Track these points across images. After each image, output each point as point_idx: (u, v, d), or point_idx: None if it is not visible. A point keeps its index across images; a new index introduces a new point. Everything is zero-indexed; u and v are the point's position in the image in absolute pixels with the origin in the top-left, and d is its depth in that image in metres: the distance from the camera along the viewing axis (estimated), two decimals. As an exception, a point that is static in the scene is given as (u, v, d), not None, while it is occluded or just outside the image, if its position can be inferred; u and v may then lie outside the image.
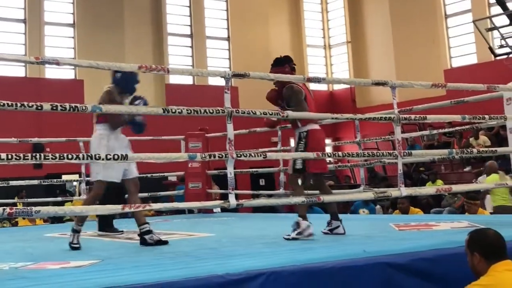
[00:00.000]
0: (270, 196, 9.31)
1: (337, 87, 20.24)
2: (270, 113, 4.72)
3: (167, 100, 16.30)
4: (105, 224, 6.31)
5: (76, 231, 4.75)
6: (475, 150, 6.73)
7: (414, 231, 5.15)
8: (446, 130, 12.34)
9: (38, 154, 3.87)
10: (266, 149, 8.69)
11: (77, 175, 9.81)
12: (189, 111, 4.29)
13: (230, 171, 4.27)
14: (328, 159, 5.66)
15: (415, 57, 17.51)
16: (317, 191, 5.25)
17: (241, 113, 4.53)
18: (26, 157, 3.75)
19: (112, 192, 5.26)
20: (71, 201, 10.98)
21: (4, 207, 3.53)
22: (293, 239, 4.65)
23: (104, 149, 4.77)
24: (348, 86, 19.08)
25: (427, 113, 5.91)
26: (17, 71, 15.35)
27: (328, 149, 14.61)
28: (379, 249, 3.80)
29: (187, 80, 17.61)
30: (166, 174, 10.59)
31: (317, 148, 4.84)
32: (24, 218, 10.56)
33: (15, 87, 13.96)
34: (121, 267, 3.51)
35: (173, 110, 4.31)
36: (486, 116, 5.70)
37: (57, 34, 16.18)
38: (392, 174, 13.71)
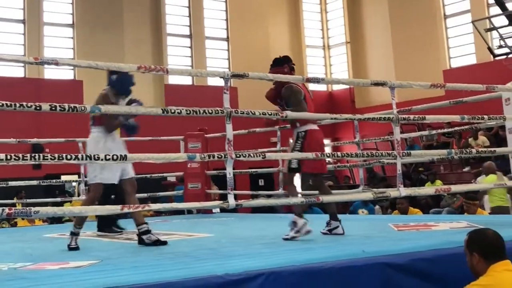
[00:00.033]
0: (269, 196, 9.32)
1: (336, 87, 20.24)
2: (269, 113, 4.72)
3: (166, 101, 16.31)
4: (104, 224, 6.32)
5: (74, 234, 4.75)
6: (474, 151, 6.74)
7: (413, 232, 5.15)
8: (445, 130, 12.35)
9: (37, 154, 3.87)
10: (265, 150, 8.69)
11: (76, 176, 9.80)
12: (188, 112, 4.29)
13: (229, 171, 4.27)
14: (327, 160, 5.66)
15: (414, 57, 17.51)
16: (317, 191, 5.25)
17: (240, 113, 4.53)
18: (25, 158, 3.75)
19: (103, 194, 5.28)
20: (70, 201, 10.97)
21: (3, 208, 3.53)
22: (292, 238, 4.66)
23: (101, 151, 4.76)
24: (347, 86, 19.09)
25: (426, 113, 5.91)
26: (16, 71, 15.34)
27: (327, 149, 14.65)
28: (378, 249, 3.80)
29: (186, 80, 17.61)
30: (165, 174, 10.59)
31: (314, 148, 4.84)
32: (23, 219, 10.56)
33: (14, 88, 13.95)
34: (120, 267, 3.51)
35: (172, 111, 4.31)
36: (485, 117, 5.70)
37: (56, 34, 16.17)
38: (391, 175, 13.72)
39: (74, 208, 4.46)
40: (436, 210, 10.79)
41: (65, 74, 16.01)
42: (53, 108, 3.84)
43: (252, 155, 4.44)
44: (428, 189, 7.07)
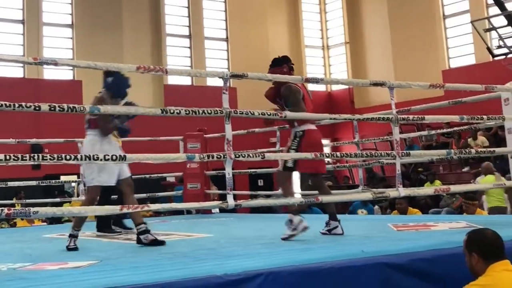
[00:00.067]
0: (268, 196, 9.31)
1: (335, 87, 20.26)
2: (269, 113, 4.73)
3: (166, 101, 16.31)
4: (104, 224, 6.32)
5: (73, 236, 4.75)
6: (473, 151, 6.73)
7: (412, 232, 5.15)
8: (445, 130, 12.35)
9: (36, 155, 3.87)
10: (265, 150, 8.69)
11: (76, 176, 9.80)
12: (187, 112, 4.29)
13: (228, 171, 4.27)
14: (326, 160, 5.67)
15: (413, 57, 17.53)
16: (316, 192, 5.26)
17: (240, 113, 4.54)
18: (24, 158, 3.75)
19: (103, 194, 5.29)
20: (70, 202, 10.97)
21: (3, 208, 3.53)
22: (290, 236, 4.67)
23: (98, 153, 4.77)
24: (346, 86, 19.10)
25: (425, 113, 5.92)
26: (16, 71, 15.34)
27: (327, 150, 14.66)
28: (378, 249, 3.80)
29: (186, 80, 17.61)
30: (164, 174, 10.59)
31: (311, 148, 4.84)
32: (22, 219, 10.56)
33: (14, 88, 13.95)
34: (119, 267, 3.51)
35: (172, 111, 4.31)
36: (484, 117, 5.71)
37: (55, 34, 16.17)
38: (390, 175, 13.75)
39: (73, 209, 4.46)
40: (435, 210, 10.81)
41: (64, 74, 16.01)
42: (52, 109, 3.84)
43: (251, 155, 4.45)
44: (427, 189, 7.08)
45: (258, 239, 4.97)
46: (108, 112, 4.64)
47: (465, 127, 7.77)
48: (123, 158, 4.10)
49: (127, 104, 4.99)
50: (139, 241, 4.83)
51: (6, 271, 3.61)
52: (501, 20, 13.98)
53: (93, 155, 4.11)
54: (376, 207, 10.84)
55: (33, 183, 9.13)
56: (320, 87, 19.81)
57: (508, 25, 13.65)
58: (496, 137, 12.69)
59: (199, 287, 2.95)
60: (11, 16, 15.70)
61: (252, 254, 3.90)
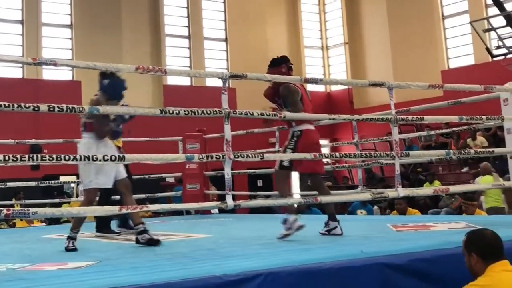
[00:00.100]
0: (267, 197, 9.31)
1: (334, 88, 20.26)
2: (268, 114, 4.73)
3: (165, 101, 16.30)
4: (103, 225, 6.31)
5: (71, 238, 4.75)
6: (472, 151, 6.74)
7: (411, 232, 5.15)
8: (444, 131, 12.35)
9: (35, 155, 3.87)
10: (264, 150, 8.69)
11: (75, 177, 9.78)
12: (186, 112, 4.29)
13: (227, 172, 4.27)
14: (325, 160, 5.67)
15: (412, 58, 17.53)
16: (316, 192, 5.26)
17: (239, 114, 4.54)
18: (23, 158, 3.75)
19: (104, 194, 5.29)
20: (69, 202, 10.96)
21: (2, 209, 3.53)
22: (285, 235, 4.68)
23: None
24: (345, 87, 19.11)
25: (425, 114, 5.92)
26: (15, 72, 15.34)
27: (326, 150, 14.66)
28: (377, 249, 3.80)
29: (185, 81, 17.61)
30: (163, 175, 10.59)
31: (308, 148, 4.85)
32: (21, 220, 10.56)
33: (13, 88, 13.94)
34: (118, 268, 3.51)
35: (171, 111, 4.31)
36: (484, 117, 5.71)
37: (54, 35, 16.16)
38: (389, 175, 13.75)
39: (72, 209, 4.46)
40: (435, 210, 10.81)
41: (63, 75, 16.00)
42: (51, 109, 3.84)
43: (250, 155, 4.45)
44: (426, 190, 7.08)
45: (257, 240, 4.97)
46: (107, 113, 4.64)
47: (464, 127, 7.77)
48: (122, 159, 4.10)
49: (123, 106, 4.99)
50: (137, 241, 4.86)
51: (6, 272, 3.61)
52: (500, 21, 13.99)
53: (92, 156, 4.11)
54: (375, 207, 10.85)
55: (32, 183, 9.12)
56: (319, 88, 19.81)
57: (507, 25, 13.67)
58: (495, 137, 12.70)
59: (198, 287, 2.95)
60: (10, 17, 15.70)
61: (251, 255, 3.90)
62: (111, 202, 6.22)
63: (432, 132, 10.77)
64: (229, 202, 4.20)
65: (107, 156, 4.05)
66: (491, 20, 14.31)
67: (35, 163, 4.21)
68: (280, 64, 5.13)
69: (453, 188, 7.06)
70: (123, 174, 5.08)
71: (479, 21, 14.63)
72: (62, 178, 12.48)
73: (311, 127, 5.07)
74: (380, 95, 14.23)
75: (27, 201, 8.96)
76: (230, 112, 4.34)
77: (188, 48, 18.02)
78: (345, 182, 16.59)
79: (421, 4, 17.71)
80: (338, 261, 3.43)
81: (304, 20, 20.58)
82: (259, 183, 16.54)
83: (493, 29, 14.03)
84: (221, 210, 5.54)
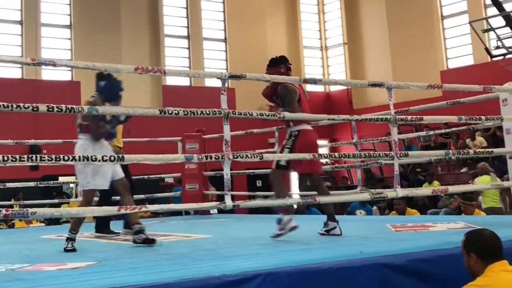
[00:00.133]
0: (266, 197, 9.31)
1: (333, 88, 20.25)
2: (267, 114, 4.73)
3: (164, 102, 16.29)
4: (102, 225, 6.31)
5: (70, 239, 4.75)
6: (471, 151, 6.74)
7: (410, 232, 5.15)
8: (443, 131, 12.36)
9: (34, 155, 3.86)
10: (263, 150, 8.69)
11: (74, 177, 9.75)
12: (185, 113, 4.29)
13: (226, 172, 4.27)
14: (324, 160, 5.68)
15: (411, 58, 17.53)
16: (315, 192, 5.26)
17: (238, 114, 4.54)
18: (22, 159, 3.75)
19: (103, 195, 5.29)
20: (68, 203, 10.95)
21: (1, 209, 3.53)
22: (277, 235, 4.68)
23: None
24: (344, 87, 19.09)
25: (424, 114, 5.92)
26: (14, 72, 15.33)
27: (325, 150, 14.65)
28: (376, 250, 3.80)
29: (184, 81, 17.61)
30: (163, 175, 10.59)
31: (306, 148, 4.85)
32: (20, 220, 10.55)
33: (12, 89, 13.92)
34: (118, 268, 3.51)
35: (170, 112, 4.31)
36: (483, 117, 5.71)
37: (53, 35, 16.14)
38: (388, 175, 13.74)
39: (71, 209, 4.46)
40: (434, 210, 10.81)
41: (63, 75, 15.99)
42: (51, 109, 3.84)
43: (249, 156, 4.45)
44: (425, 190, 7.09)
45: (256, 240, 4.97)
46: (107, 113, 4.64)
47: (463, 127, 7.78)
48: (121, 159, 4.10)
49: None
50: (134, 240, 4.90)
51: (5, 272, 3.61)
52: (499, 21, 14.00)
53: (91, 156, 4.10)
54: (375, 207, 10.85)
55: (31, 184, 9.12)
56: (319, 88, 19.81)
57: (506, 25, 13.67)
58: (494, 137, 12.70)
59: (197, 287, 2.95)
60: (9, 17, 15.68)
61: (250, 255, 3.90)
62: (111, 203, 6.22)
63: (431, 132, 10.78)
64: (228, 202, 4.20)
65: (106, 156, 4.04)
66: (490, 20, 14.31)
67: (34, 164, 4.21)
68: (279, 64, 5.14)
69: (452, 188, 7.06)
70: (120, 174, 5.08)
71: (478, 21, 14.63)
72: (61, 179, 12.47)
73: (309, 127, 5.07)
74: (379, 95, 14.23)
75: (26, 202, 8.96)
76: (229, 113, 4.34)
77: (187, 48, 18.02)
78: (344, 182, 16.59)
79: (420, 4, 17.71)
80: (337, 261, 3.43)
81: (303, 21, 20.58)
82: (258, 183, 16.53)
83: (492, 29, 14.03)
84: (220, 211, 5.54)
